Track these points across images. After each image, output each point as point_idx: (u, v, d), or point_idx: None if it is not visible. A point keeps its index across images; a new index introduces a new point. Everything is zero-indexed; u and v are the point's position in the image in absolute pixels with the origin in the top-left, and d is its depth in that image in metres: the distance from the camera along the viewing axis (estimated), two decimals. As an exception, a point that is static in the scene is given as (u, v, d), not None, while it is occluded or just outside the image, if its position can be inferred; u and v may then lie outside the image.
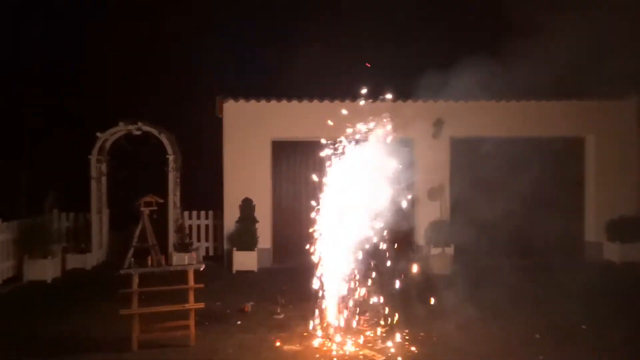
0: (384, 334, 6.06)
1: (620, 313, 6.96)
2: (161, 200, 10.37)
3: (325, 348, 5.68)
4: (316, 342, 5.84)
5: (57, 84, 14.50)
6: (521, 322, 6.57)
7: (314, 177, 6.43)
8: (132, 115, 10.93)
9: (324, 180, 6.39)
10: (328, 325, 6.16)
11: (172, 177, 10.93)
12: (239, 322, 6.69)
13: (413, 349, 5.64)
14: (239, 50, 15.55)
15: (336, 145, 6.34)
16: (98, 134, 10.84)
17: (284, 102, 10.78)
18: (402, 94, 10.17)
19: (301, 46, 14.73)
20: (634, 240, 10.35)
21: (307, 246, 6.53)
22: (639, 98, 10.89)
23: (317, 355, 5.47)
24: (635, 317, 6.81)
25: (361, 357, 5.42)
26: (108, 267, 10.40)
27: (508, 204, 10.43)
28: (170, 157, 10.89)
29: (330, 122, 6.37)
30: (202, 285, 6.09)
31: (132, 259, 7.94)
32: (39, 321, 6.85)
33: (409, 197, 6.58)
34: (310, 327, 6.29)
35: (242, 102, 10.80)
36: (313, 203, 6.46)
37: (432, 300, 7.30)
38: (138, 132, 10.90)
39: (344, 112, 6.48)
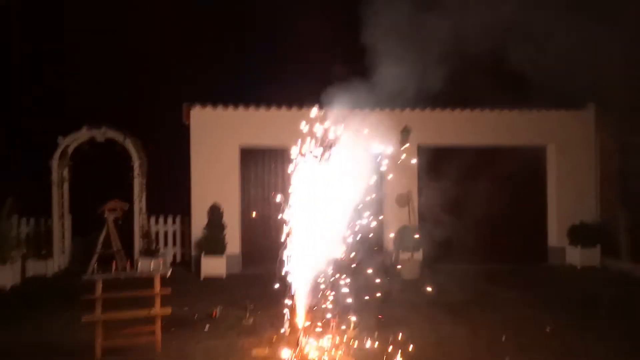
0: (354, 339, 6.06)
1: (581, 316, 7.15)
2: (126, 207, 10.18)
3: (294, 353, 5.65)
4: (285, 347, 5.80)
5: (16, 85, 14.08)
6: (488, 325, 6.68)
7: (288, 180, 6.41)
8: (96, 119, 10.69)
9: (292, 186, 6.39)
10: (297, 330, 6.13)
11: (138, 183, 10.73)
12: (207, 328, 6.59)
13: (382, 353, 5.66)
14: (208, 56, 15.40)
15: (303, 152, 6.35)
16: (60, 139, 10.54)
17: (252, 109, 10.74)
18: (369, 103, 10.25)
19: (270, 53, 14.75)
20: (594, 245, 10.68)
21: (277, 252, 6.50)
22: (595, 107, 11.28)
23: (287, 360, 5.43)
24: (595, 320, 7.01)
25: (331, 361, 5.40)
26: (70, 274, 10.10)
27: (474, 210, 10.66)
28: (136, 163, 10.69)
29: (302, 128, 6.39)
30: (169, 291, 5.98)
31: (96, 265, 7.73)
32: (-3, 330, 6.59)
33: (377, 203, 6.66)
34: (280, 331, 6.25)
35: (209, 108, 10.72)
36: (281, 202, 6.43)
37: (398, 304, 7.36)
38: (102, 139, 10.65)
39: (312, 116, 6.50)
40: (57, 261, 10.49)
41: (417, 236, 10.21)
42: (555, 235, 11.22)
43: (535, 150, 11.53)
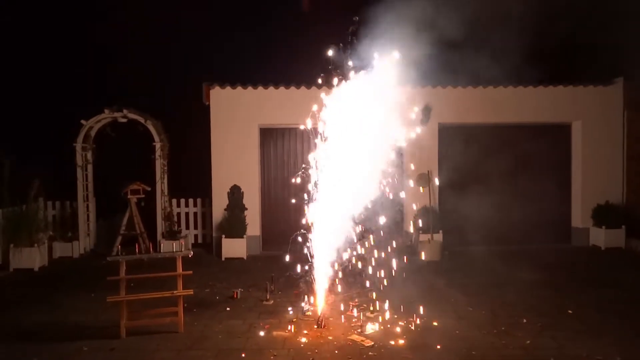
0: (373, 319, 6.08)
1: (605, 298, 7.04)
2: (148, 188, 10.31)
3: (314, 333, 5.69)
4: (305, 328, 5.86)
5: (39, 70, 14.25)
6: (509, 307, 6.63)
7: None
8: (117, 102, 10.80)
9: (311, 164, 6.40)
10: (317, 310, 6.17)
11: (159, 165, 10.84)
12: (228, 309, 6.68)
13: (402, 333, 5.67)
14: (227, 36, 15.37)
15: (322, 130, 6.32)
16: (83, 122, 10.70)
17: (271, 88, 10.70)
18: (389, 80, 10.09)
19: (291, 32, 14.60)
20: (619, 225, 10.47)
21: (296, 233, 6.55)
22: (624, 82, 10.93)
23: (306, 341, 5.48)
24: (619, 302, 6.90)
25: (350, 342, 5.43)
26: (95, 256, 10.35)
27: (496, 190, 10.52)
28: (157, 145, 10.79)
29: (321, 106, 6.37)
30: (190, 272, 6.07)
31: (120, 246, 7.88)
32: (26, 309, 6.79)
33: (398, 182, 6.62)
34: (300, 312, 6.31)
35: (228, 88, 10.72)
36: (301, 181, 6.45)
37: (418, 285, 7.34)
38: (124, 120, 10.80)
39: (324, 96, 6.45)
40: (83, 243, 10.73)
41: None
42: (579, 216, 11.02)
43: (559, 128, 11.27)
